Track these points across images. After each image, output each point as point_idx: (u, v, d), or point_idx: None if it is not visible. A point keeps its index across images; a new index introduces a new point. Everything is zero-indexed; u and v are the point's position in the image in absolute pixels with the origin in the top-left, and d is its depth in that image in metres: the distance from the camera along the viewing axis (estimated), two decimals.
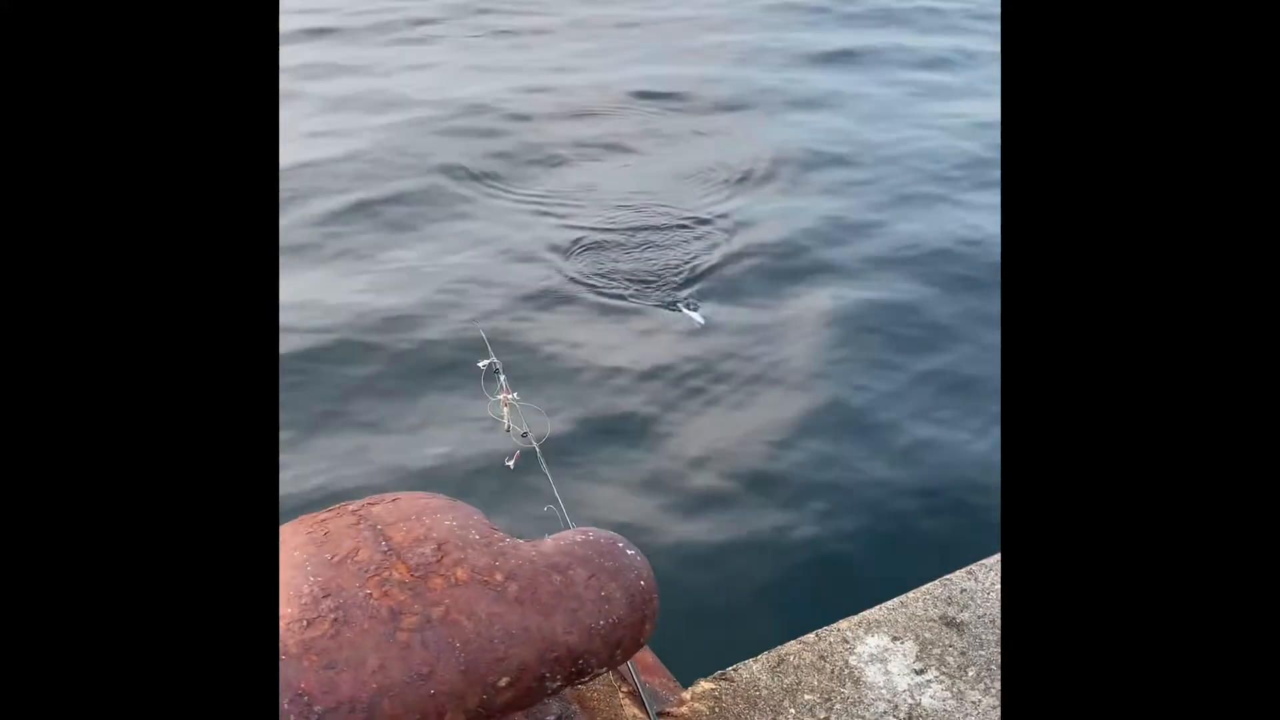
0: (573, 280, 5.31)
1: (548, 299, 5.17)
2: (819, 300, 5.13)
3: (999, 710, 1.77)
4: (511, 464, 2.26)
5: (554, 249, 5.62)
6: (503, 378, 2.30)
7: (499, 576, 1.29)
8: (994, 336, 4.97)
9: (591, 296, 5.20)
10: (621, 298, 5.21)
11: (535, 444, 2.19)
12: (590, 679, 1.34)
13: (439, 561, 1.28)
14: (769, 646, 1.98)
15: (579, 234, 5.75)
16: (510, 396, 2.29)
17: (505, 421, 2.26)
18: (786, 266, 5.44)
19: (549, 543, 1.36)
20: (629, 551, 1.37)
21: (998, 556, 2.07)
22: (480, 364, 2.39)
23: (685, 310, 5.06)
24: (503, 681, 1.25)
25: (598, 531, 1.40)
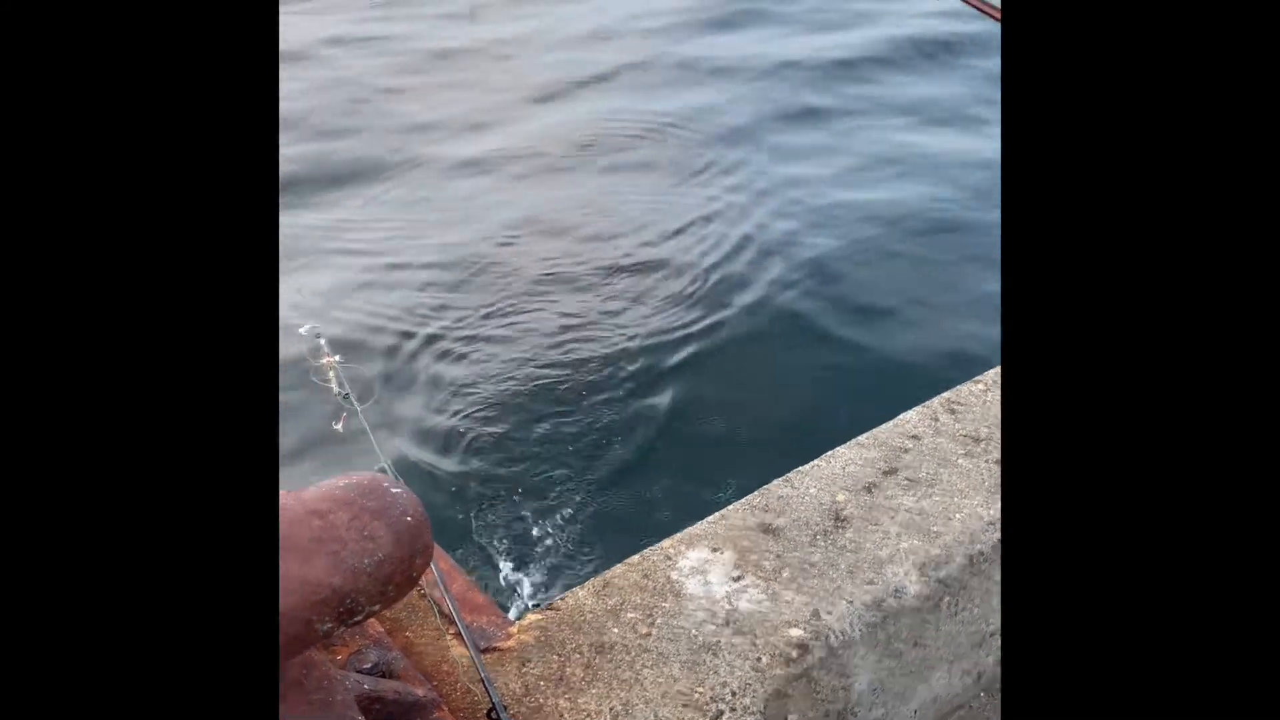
0: None
1: None
2: None
3: (810, 607, 1.84)
4: (339, 427, 2.26)
5: None
6: (323, 341, 2.29)
7: None
8: None
9: None
10: None
11: (358, 405, 2.19)
12: (365, 618, 1.37)
13: None
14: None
15: None
16: (333, 359, 2.29)
17: (333, 384, 2.26)
18: None
19: (311, 490, 1.37)
20: (394, 490, 1.39)
21: (814, 463, 2.14)
22: (301, 329, 2.37)
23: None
24: None
25: (361, 473, 1.41)
